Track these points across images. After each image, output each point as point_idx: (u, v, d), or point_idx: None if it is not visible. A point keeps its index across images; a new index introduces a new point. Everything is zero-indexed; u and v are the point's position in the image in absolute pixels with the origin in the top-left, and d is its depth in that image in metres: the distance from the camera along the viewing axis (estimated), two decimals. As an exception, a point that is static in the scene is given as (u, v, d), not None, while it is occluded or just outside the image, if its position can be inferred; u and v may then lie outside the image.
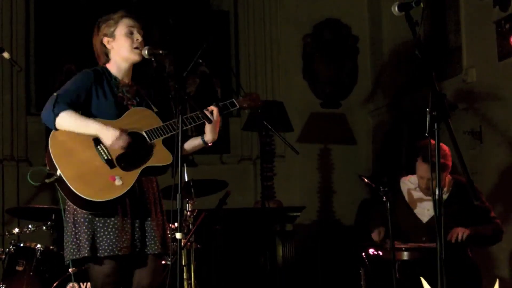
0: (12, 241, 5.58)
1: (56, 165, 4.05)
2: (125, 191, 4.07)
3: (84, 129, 4.11)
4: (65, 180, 4.02)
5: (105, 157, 4.11)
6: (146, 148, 4.20)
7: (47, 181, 4.10)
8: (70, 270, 5.28)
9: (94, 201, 4.02)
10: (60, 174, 4.03)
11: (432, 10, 8.41)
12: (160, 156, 4.21)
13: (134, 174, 4.13)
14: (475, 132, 7.00)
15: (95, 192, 4.02)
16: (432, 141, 5.16)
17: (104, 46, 4.35)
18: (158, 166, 4.21)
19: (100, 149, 4.12)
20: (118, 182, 4.07)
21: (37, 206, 6.21)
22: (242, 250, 7.41)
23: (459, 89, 7.29)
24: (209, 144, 4.44)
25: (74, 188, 4.01)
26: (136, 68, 4.43)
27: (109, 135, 4.09)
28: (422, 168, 5.29)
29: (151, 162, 4.18)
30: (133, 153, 4.15)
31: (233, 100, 4.45)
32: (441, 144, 5.18)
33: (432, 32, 8.40)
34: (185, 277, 5.45)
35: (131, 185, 4.10)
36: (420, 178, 5.36)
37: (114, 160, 4.12)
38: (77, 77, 4.30)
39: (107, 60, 4.37)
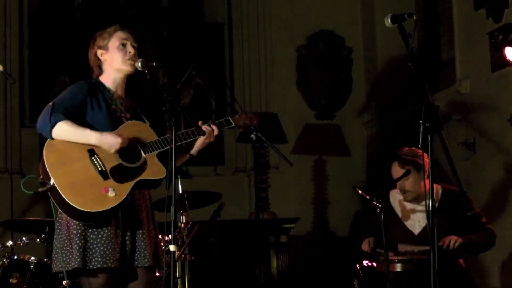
0: (6, 254, 5.55)
1: (50, 174, 4.04)
2: (117, 203, 4.05)
3: (83, 138, 4.11)
4: (58, 189, 4.01)
5: (99, 168, 4.09)
6: (141, 162, 4.19)
7: (40, 190, 4.10)
8: (64, 282, 5.26)
9: (86, 212, 4.00)
10: (53, 183, 4.03)
11: (425, 21, 8.44)
12: (154, 170, 4.20)
13: (127, 186, 4.11)
14: (468, 143, 7.01)
15: (87, 202, 4.01)
16: (406, 148, 5.29)
17: (98, 58, 4.37)
18: (151, 180, 4.21)
19: (94, 160, 4.11)
20: (111, 193, 4.06)
21: (31, 218, 6.19)
22: (236, 262, 7.40)
23: (452, 100, 7.31)
24: (194, 154, 4.44)
25: (67, 197, 4.00)
26: (130, 81, 4.44)
27: (112, 142, 4.10)
28: (393, 169, 5.32)
29: (145, 175, 4.17)
30: (127, 166, 4.15)
31: (229, 118, 4.46)
32: (413, 148, 5.25)
33: (425, 44, 8.42)
34: (179, 289, 5.44)
35: (124, 197, 4.08)
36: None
37: (108, 171, 4.11)
38: (72, 87, 4.31)
39: (100, 72, 4.38)
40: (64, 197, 4.01)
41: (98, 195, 4.04)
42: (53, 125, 4.10)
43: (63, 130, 4.11)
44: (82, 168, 4.10)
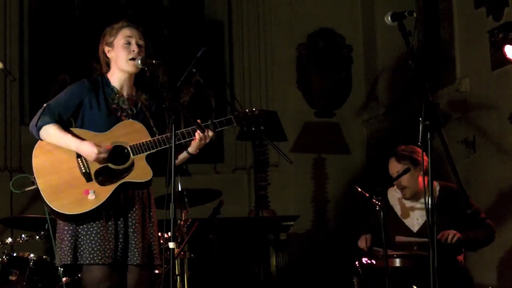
0: (5, 251, 5.56)
1: (35, 174, 4.10)
2: (96, 206, 4.07)
3: (64, 144, 4.16)
4: (40, 191, 4.08)
5: (83, 170, 4.13)
6: (128, 163, 4.19)
7: (27, 189, 4.15)
8: (63, 279, 5.27)
9: (64, 214, 4.06)
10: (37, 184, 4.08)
11: (426, 20, 8.43)
12: (140, 172, 4.19)
13: (110, 189, 4.12)
14: (468, 141, 7.01)
15: (65, 204, 4.06)
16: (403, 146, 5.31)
17: (106, 55, 4.38)
18: (136, 182, 4.21)
19: (80, 161, 4.14)
20: (91, 196, 4.08)
21: (30, 216, 6.19)
22: (236, 260, 7.39)
23: (452, 98, 7.31)
24: (194, 154, 4.41)
25: (46, 198, 4.07)
26: (139, 77, 4.43)
27: (88, 151, 4.10)
28: (390, 164, 5.34)
29: (129, 178, 4.17)
30: (113, 168, 4.15)
31: (231, 117, 4.43)
32: (412, 145, 5.26)
33: (425, 42, 8.42)
34: (178, 287, 5.44)
35: (104, 200, 4.09)
36: (391, 176, 5.37)
37: (92, 174, 4.13)
38: (71, 88, 4.34)
39: (108, 69, 4.39)
40: (44, 198, 4.07)
41: (77, 197, 4.08)
42: (39, 129, 4.17)
43: (48, 134, 4.17)
44: (67, 169, 4.14)
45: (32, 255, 5.52)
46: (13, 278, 5.44)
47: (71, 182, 4.10)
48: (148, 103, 4.43)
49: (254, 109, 4.57)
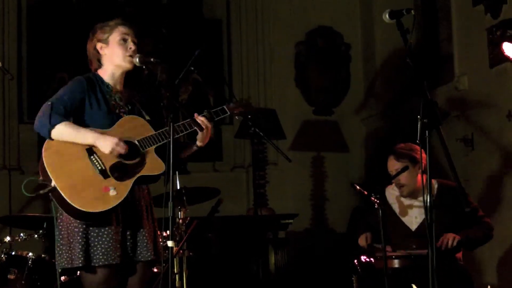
0: (4, 250, 5.55)
1: (49, 175, 4.03)
2: (119, 202, 4.06)
3: (81, 139, 4.11)
4: (60, 191, 4.00)
5: (99, 167, 4.09)
6: (139, 157, 4.19)
7: (41, 192, 4.09)
8: (62, 278, 5.27)
9: (88, 212, 4.00)
10: (54, 184, 4.02)
11: (424, 17, 8.44)
12: (153, 165, 4.19)
13: (128, 184, 4.11)
14: (467, 139, 7.01)
15: (88, 202, 4.01)
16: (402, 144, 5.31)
17: (97, 51, 4.34)
18: (151, 175, 4.21)
19: (93, 159, 4.10)
20: (112, 192, 4.06)
21: (29, 214, 6.19)
22: (234, 258, 7.40)
23: (451, 96, 7.31)
24: (201, 146, 4.41)
25: (68, 198, 4.00)
26: (129, 75, 4.43)
27: (107, 142, 4.08)
28: (389, 162, 5.33)
29: (144, 172, 4.16)
30: (126, 163, 4.14)
31: (224, 106, 4.45)
32: (411, 144, 5.26)
33: (424, 40, 8.42)
34: (177, 285, 5.43)
35: (126, 194, 4.08)
36: (390, 174, 5.37)
37: (108, 170, 4.10)
38: (70, 85, 4.28)
39: (99, 66, 4.36)
40: (65, 198, 4.00)
41: (98, 195, 4.04)
42: (52, 127, 4.09)
43: (62, 132, 4.10)
44: (81, 168, 4.09)
45: (30, 254, 5.50)
46: (11, 277, 5.43)
47: (88, 181, 4.06)
48: (138, 98, 4.44)
49: (243, 100, 4.59)
